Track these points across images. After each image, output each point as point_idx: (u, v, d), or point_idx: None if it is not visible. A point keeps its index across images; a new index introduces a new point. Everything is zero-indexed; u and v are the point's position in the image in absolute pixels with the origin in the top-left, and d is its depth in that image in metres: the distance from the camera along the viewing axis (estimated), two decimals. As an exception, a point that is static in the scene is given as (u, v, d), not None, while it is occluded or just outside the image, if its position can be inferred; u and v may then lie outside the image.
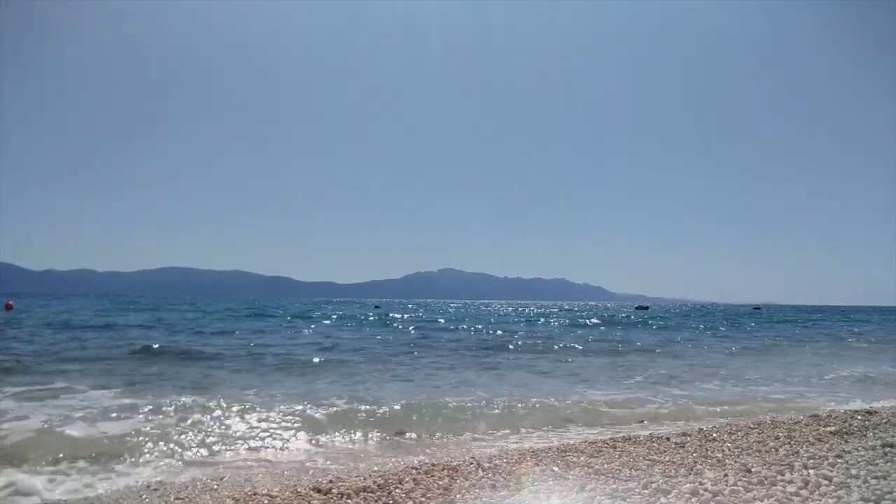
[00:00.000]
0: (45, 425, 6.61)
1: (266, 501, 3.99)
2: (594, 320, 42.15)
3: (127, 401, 8.28)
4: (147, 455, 5.74)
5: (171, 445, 6.04)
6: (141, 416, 7.34)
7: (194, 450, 5.95)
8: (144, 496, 4.53)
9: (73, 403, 8.04)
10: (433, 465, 4.98)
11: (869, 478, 4.23)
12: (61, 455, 5.57)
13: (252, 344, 18.22)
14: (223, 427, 6.86)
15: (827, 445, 5.43)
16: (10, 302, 43.06)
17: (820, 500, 3.74)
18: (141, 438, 6.21)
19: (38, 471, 5.21)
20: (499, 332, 26.92)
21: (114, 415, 7.37)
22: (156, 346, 16.13)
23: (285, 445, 6.26)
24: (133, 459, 5.62)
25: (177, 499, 4.35)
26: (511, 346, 19.20)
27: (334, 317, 41.00)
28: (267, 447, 6.17)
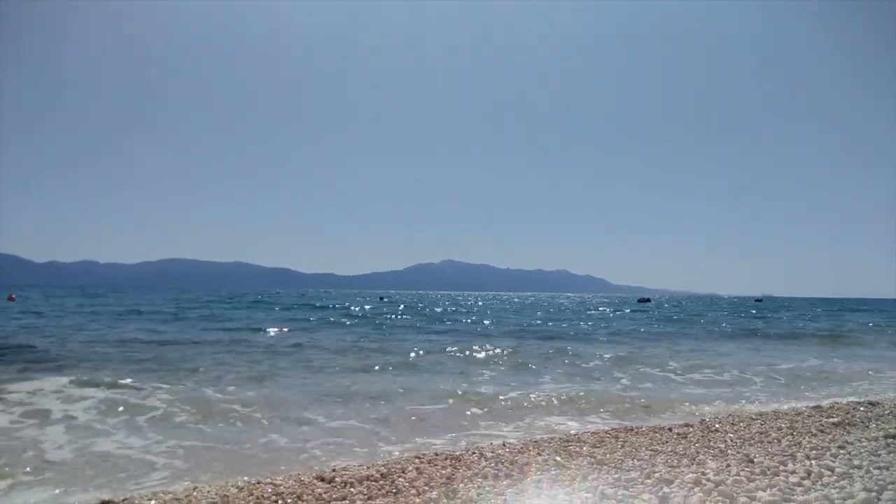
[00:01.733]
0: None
1: (270, 490, 4.01)
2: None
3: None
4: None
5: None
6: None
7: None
8: (157, 490, 4.56)
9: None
10: (436, 454, 5.00)
11: (871, 468, 4.23)
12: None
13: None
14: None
15: (829, 436, 5.44)
16: (13, 295, 44.76)
17: (822, 491, 3.74)
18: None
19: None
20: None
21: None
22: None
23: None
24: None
25: (184, 489, 4.37)
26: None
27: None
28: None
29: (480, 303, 57.85)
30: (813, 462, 4.42)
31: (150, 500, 3.92)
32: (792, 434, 5.56)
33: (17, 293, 48.69)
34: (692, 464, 4.49)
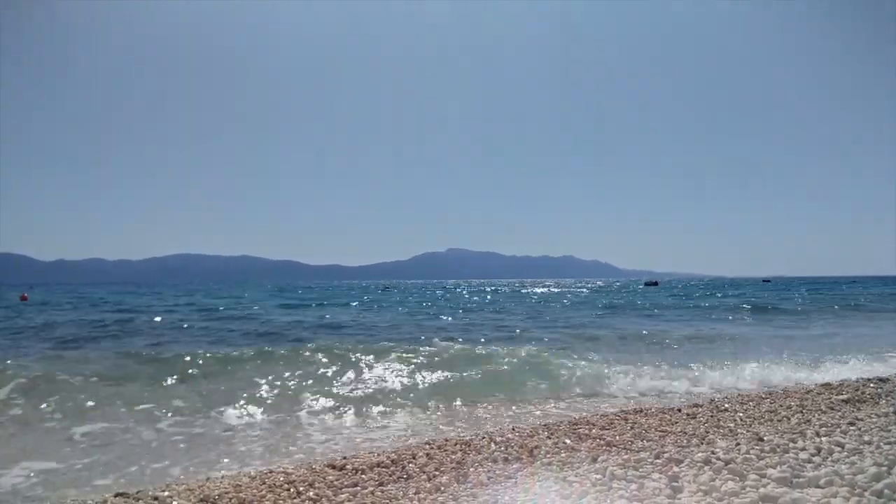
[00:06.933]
0: None
1: (282, 478, 4.05)
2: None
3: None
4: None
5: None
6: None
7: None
8: (167, 478, 4.62)
9: None
10: (446, 439, 5.03)
11: (882, 443, 4.22)
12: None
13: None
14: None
15: (839, 413, 5.43)
16: (26, 294, 45.84)
17: (833, 467, 3.74)
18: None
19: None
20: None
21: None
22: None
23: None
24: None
25: (193, 479, 4.42)
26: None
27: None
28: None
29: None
30: (823, 439, 4.42)
31: (163, 491, 3.96)
32: (801, 412, 5.56)
33: (31, 294, 49.21)
34: (702, 443, 4.50)
